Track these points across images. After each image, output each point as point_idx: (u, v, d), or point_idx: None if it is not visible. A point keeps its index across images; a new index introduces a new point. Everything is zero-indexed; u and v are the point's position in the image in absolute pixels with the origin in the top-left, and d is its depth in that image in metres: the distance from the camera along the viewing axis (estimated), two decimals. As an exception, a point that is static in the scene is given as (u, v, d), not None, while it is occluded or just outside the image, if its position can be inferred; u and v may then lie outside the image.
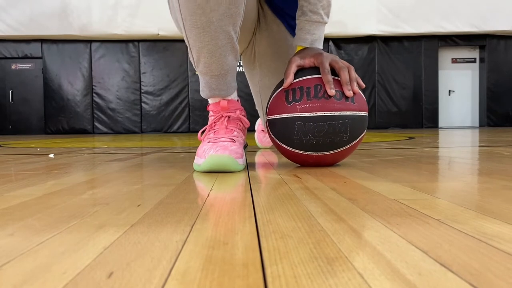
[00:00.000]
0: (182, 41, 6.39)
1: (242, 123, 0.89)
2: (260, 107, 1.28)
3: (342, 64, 0.81)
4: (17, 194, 0.57)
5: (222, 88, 0.87)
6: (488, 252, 0.28)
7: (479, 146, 1.71)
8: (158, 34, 6.04)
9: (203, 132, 0.88)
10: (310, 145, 0.80)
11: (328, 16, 0.90)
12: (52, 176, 0.79)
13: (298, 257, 0.28)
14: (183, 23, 0.77)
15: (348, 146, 0.82)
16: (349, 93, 0.79)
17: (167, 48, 6.26)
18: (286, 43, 1.13)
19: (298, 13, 0.90)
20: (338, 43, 6.45)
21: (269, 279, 0.24)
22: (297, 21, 0.90)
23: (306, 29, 0.89)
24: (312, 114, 0.78)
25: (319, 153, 0.81)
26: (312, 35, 0.89)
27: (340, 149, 0.81)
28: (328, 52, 5.91)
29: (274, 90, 0.87)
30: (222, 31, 0.77)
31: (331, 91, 0.78)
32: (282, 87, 0.84)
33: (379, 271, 0.25)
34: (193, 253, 0.29)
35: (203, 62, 0.82)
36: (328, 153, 0.81)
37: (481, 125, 6.71)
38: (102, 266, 0.26)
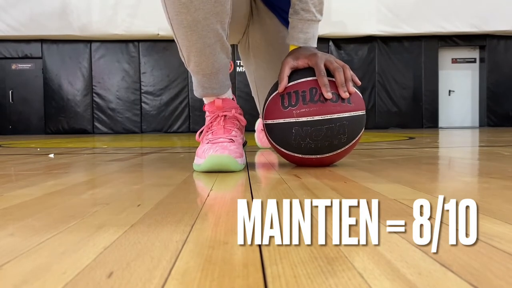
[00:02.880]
0: (182, 41, 6.38)
1: (239, 121, 0.89)
2: (256, 95, 1.30)
3: (336, 64, 0.80)
4: (17, 194, 0.57)
5: (214, 87, 0.86)
6: (488, 252, 0.28)
7: (479, 146, 1.71)
8: (158, 34, 6.04)
9: (201, 133, 0.87)
10: (309, 149, 0.80)
11: (321, 14, 0.89)
12: (52, 176, 0.78)
13: (298, 257, 0.28)
14: (171, 23, 0.77)
15: (347, 146, 0.82)
16: (345, 94, 0.77)
17: (167, 48, 6.25)
18: (279, 35, 1.12)
19: (290, 11, 0.89)
20: (338, 43, 6.44)
21: (269, 279, 0.24)
22: (289, 20, 0.90)
23: (299, 28, 0.87)
24: (309, 118, 0.77)
25: (318, 156, 0.81)
26: (305, 34, 0.88)
27: (339, 151, 0.81)
28: (328, 52, 5.91)
29: (270, 93, 0.86)
30: (210, 29, 0.76)
31: (328, 95, 0.76)
32: (277, 91, 0.82)
33: (379, 271, 0.25)
34: (193, 253, 0.29)
35: (193, 61, 0.81)
36: (327, 155, 0.81)
37: (481, 125, 6.70)
38: (102, 266, 0.26)
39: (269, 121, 0.84)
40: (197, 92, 0.88)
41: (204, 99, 0.91)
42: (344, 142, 0.80)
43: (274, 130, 0.83)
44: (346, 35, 6.29)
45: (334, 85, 0.79)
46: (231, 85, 0.91)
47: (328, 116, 0.77)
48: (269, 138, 0.86)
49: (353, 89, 0.79)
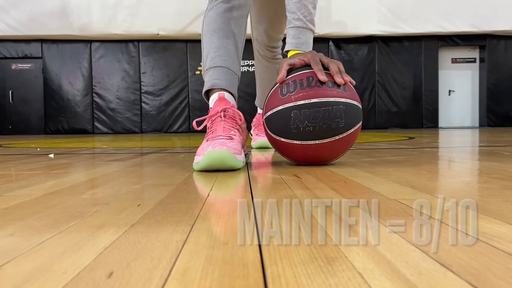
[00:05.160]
0: (182, 41, 6.39)
1: (237, 122, 0.91)
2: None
3: (331, 59, 0.87)
4: (17, 194, 0.57)
5: (221, 79, 0.95)
6: (488, 252, 0.28)
7: (479, 146, 1.71)
8: (158, 34, 6.04)
9: (198, 122, 0.91)
10: (308, 133, 0.82)
11: (312, 24, 0.97)
12: (52, 176, 0.78)
13: (298, 257, 0.28)
14: (202, 29, 1.01)
15: (345, 134, 0.83)
16: (339, 80, 0.83)
17: (167, 48, 6.25)
18: None
19: (286, 25, 0.98)
20: (338, 43, 6.44)
21: (269, 279, 0.24)
22: (286, 32, 0.99)
23: (292, 35, 0.96)
24: (307, 101, 0.81)
25: (317, 142, 0.82)
26: (297, 39, 0.95)
27: (337, 137, 0.82)
28: (328, 52, 5.89)
29: (269, 91, 0.92)
30: (228, 37, 0.96)
31: (323, 77, 0.82)
32: (277, 84, 0.88)
33: (379, 271, 0.25)
34: (193, 253, 0.29)
35: (209, 57, 0.97)
36: (326, 141, 0.82)
37: (481, 125, 6.70)
38: (102, 266, 0.26)
39: (269, 113, 0.87)
40: (206, 84, 0.97)
41: (210, 102, 0.96)
42: (342, 128, 0.82)
43: (273, 119, 0.86)
44: (346, 35, 6.29)
45: (329, 75, 0.85)
46: (237, 95, 0.99)
47: (325, 99, 0.81)
48: (268, 131, 0.89)
49: (347, 78, 0.84)
